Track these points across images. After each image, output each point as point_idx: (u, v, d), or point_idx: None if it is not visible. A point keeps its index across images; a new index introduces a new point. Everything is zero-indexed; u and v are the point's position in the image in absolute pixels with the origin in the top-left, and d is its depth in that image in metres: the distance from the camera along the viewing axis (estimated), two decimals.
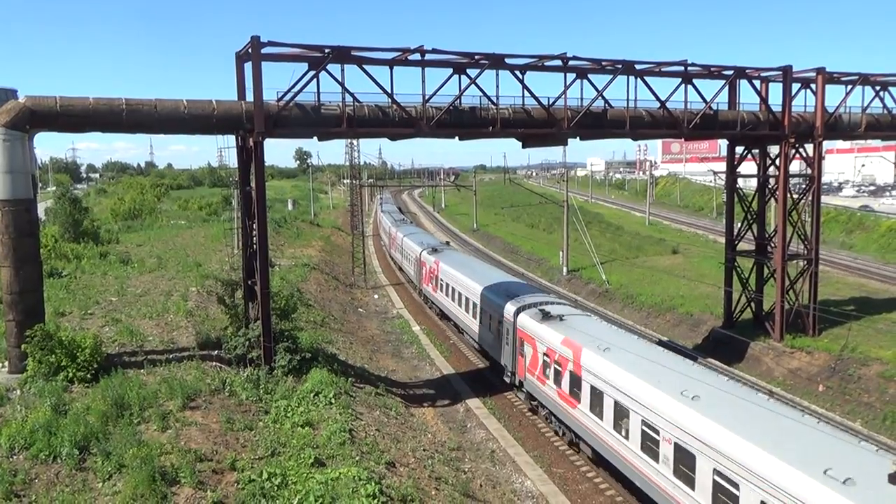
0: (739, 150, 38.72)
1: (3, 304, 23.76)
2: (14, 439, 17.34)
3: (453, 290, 43.40)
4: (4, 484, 15.46)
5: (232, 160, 27.23)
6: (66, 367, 21.78)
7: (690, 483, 18.47)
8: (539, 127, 29.80)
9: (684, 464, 18.71)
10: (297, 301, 34.79)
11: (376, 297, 57.69)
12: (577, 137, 31.95)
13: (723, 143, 49.21)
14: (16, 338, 22.73)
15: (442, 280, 46.13)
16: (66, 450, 16.98)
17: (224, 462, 18.04)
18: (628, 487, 22.71)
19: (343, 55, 25.94)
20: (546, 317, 28.75)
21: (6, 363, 23.39)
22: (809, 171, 37.43)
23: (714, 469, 17.42)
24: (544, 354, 27.83)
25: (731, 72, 33.86)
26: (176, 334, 28.51)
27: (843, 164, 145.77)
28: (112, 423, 18.84)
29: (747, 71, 34.48)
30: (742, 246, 40.19)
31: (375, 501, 16.95)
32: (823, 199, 46.37)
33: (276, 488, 17.04)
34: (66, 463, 16.73)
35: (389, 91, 26.67)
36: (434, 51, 27.28)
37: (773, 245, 37.89)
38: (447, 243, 64.41)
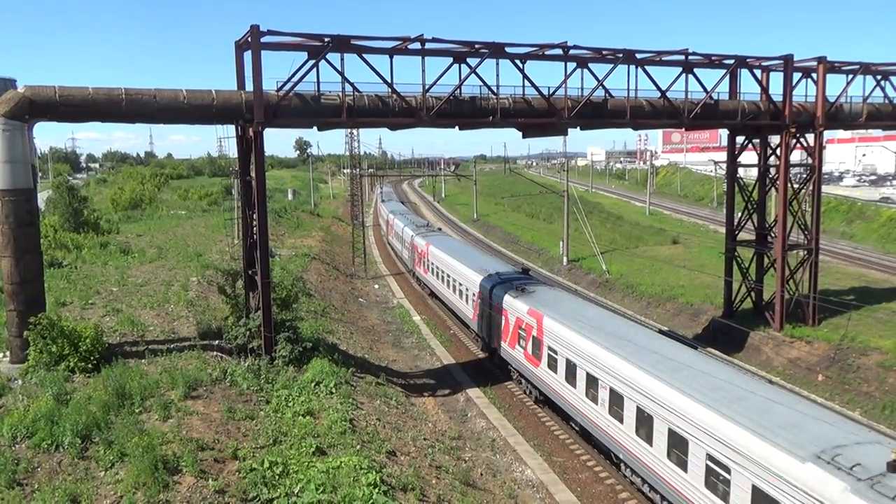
0: (740, 139, 38.66)
1: (4, 294, 23.81)
2: (16, 428, 17.44)
3: (569, 364, 25.83)
4: (7, 473, 15.55)
5: (232, 150, 27.24)
6: (67, 357, 21.86)
7: None
8: (539, 117, 29.73)
9: None
10: (298, 292, 34.75)
11: (377, 286, 57.73)
12: (578, 127, 31.88)
13: (723, 133, 49.25)
14: (17, 327, 22.79)
15: (557, 351, 26.87)
16: (68, 439, 17.08)
17: (226, 451, 18.12)
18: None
19: (343, 44, 25.85)
20: None
21: (7, 353, 23.46)
22: (810, 160, 37.36)
23: None
24: None
25: (732, 61, 33.74)
26: (177, 324, 28.57)
27: (843, 153, 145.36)
28: (114, 412, 18.92)
29: (748, 60, 34.36)
30: (742, 236, 40.18)
31: (376, 490, 17.03)
32: (824, 188, 46.33)
33: (277, 477, 17.13)
34: (69, 452, 16.82)
35: (389, 80, 26.59)
36: (434, 40, 27.17)
37: (773, 235, 37.87)
38: (526, 272, 38.80)
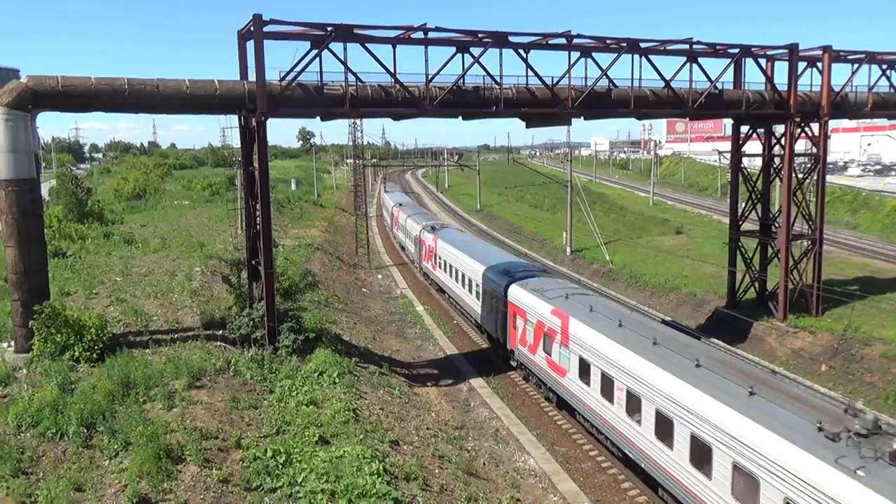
0: (744, 129, 38.50)
1: (9, 283, 23.85)
2: (21, 417, 17.49)
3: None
4: (12, 461, 15.61)
5: (235, 140, 27.21)
6: (72, 347, 21.92)
7: None
8: (543, 106, 29.63)
9: None
10: (306, 285, 34.70)
11: (380, 277, 57.77)
12: (581, 117, 31.75)
13: (728, 123, 48.98)
14: (21, 317, 22.86)
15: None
16: (72, 428, 17.14)
17: (229, 440, 18.19)
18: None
19: (345, 34, 25.76)
20: None
21: (12, 342, 23.55)
22: (815, 150, 37.20)
23: None
24: None
25: (736, 50, 33.54)
26: (181, 314, 28.63)
27: (848, 143, 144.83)
28: (118, 401, 18.98)
29: (753, 49, 34.16)
30: (746, 226, 40.08)
31: (379, 479, 17.10)
32: (828, 178, 46.15)
33: (280, 466, 17.21)
34: (73, 441, 16.89)
35: (392, 70, 26.51)
36: (437, 29, 27.06)
37: (777, 225, 37.77)
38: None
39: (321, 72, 25.94)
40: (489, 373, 32.94)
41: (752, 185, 38.59)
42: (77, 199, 55.70)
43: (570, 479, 23.02)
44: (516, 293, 31.24)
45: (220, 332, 26.63)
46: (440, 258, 47.63)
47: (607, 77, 30.20)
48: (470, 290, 39.79)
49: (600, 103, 30.64)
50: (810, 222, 37.60)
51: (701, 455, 17.84)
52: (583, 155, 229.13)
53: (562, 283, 32.63)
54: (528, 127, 32.65)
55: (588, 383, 24.15)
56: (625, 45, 30.22)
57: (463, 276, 41.26)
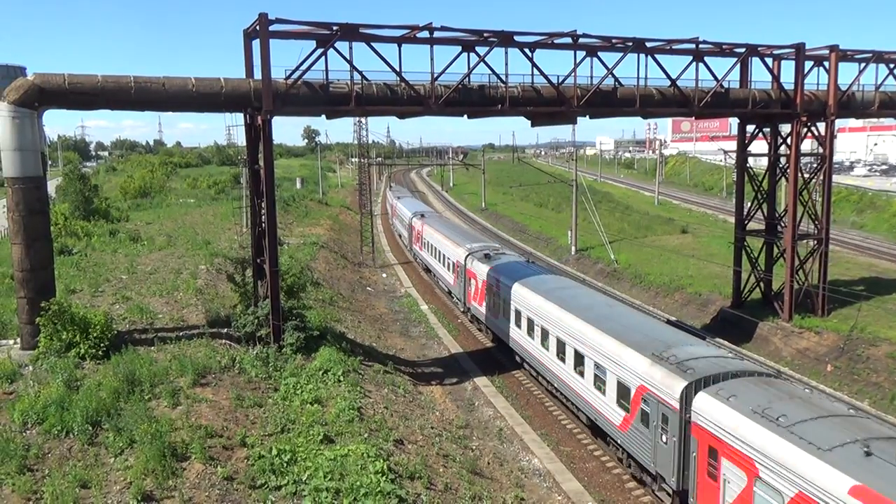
0: (750, 128, 38.37)
1: (15, 281, 23.94)
2: (27, 414, 17.59)
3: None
4: (18, 458, 15.69)
5: (240, 138, 27.24)
6: (77, 344, 22.01)
7: None
8: (548, 105, 29.58)
9: None
10: (306, 281, 34.73)
11: (384, 275, 57.80)
12: (587, 116, 31.72)
13: (733, 122, 48.89)
14: (28, 314, 22.95)
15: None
16: (78, 425, 17.22)
17: (234, 438, 18.23)
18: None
19: (351, 33, 25.78)
20: None
21: (18, 339, 23.63)
22: (821, 149, 37.07)
23: None
24: None
25: (742, 49, 33.44)
26: (186, 312, 28.69)
27: (855, 142, 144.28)
28: (123, 399, 19.05)
29: (759, 48, 34.04)
30: (752, 225, 39.96)
31: (384, 478, 17.11)
32: (835, 178, 45.98)
33: (285, 464, 17.24)
34: (79, 438, 16.96)
35: (398, 69, 26.52)
36: (442, 28, 27.06)
37: (783, 224, 37.64)
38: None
39: (327, 70, 26.03)
40: (493, 372, 32.91)
41: (757, 184, 38.47)
42: (83, 197, 55.87)
43: (575, 479, 23.00)
44: (717, 414, 17.26)
45: (225, 329, 26.69)
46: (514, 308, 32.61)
47: (613, 76, 30.15)
48: (578, 370, 25.45)
49: (606, 102, 30.58)
50: (816, 222, 37.47)
51: None
52: (588, 154, 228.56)
53: (799, 393, 18.07)
54: (533, 126, 32.64)
55: None
56: (631, 44, 30.15)
57: (560, 343, 26.85)
